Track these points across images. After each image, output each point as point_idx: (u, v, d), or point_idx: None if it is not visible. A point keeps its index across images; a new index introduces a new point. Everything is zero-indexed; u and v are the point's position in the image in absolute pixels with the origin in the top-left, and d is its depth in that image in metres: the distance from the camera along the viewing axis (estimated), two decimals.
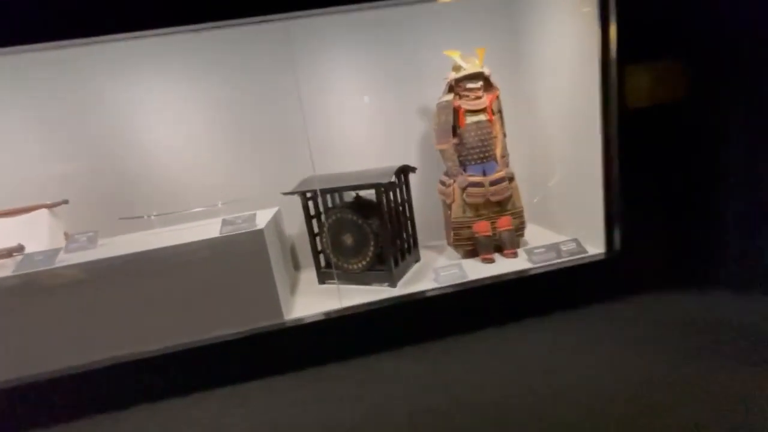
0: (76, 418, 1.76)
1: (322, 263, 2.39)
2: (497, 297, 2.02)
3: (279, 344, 1.89)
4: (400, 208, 2.34)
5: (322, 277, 2.38)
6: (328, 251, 2.32)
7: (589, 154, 2.09)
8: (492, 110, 2.29)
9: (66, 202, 2.16)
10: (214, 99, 2.45)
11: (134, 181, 2.44)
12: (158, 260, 1.82)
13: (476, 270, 2.16)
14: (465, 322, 1.97)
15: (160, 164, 2.46)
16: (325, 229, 2.29)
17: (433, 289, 2.02)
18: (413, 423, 1.46)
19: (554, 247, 2.16)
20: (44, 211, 2.09)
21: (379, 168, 2.24)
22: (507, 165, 2.34)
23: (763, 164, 1.89)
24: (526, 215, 2.41)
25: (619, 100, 1.89)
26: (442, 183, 2.44)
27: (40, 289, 1.75)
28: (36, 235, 2.00)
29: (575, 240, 2.18)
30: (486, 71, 2.28)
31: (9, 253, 1.87)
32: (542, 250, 2.16)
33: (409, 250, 2.41)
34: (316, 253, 2.36)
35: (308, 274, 2.50)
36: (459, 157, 2.32)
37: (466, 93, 2.27)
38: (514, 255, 2.28)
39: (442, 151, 2.37)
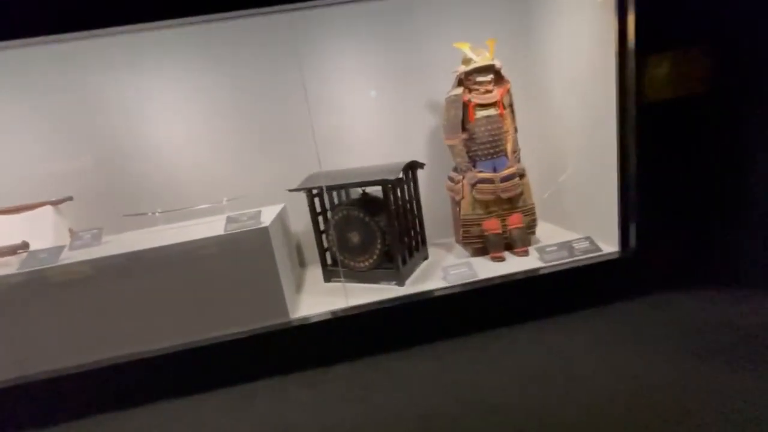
0: (78, 417, 1.75)
1: (329, 261, 2.36)
2: (508, 297, 1.98)
3: (285, 344, 1.87)
4: (408, 205, 2.30)
5: (329, 275, 2.34)
6: (334, 249, 2.28)
7: (604, 148, 2.03)
8: (503, 104, 2.23)
9: (70, 198, 2.15)
10: (218, 94, 2.42)
11: (139, 178, 2.42)
12: (162, 258, 1.80)
13: (486, 268, 2.12)
14: (475, 322, 1.93)
15: (165, 160, 2.44)
16: (332, 226, 2.25)
17: (442, 288, 1.98)
18: (422, 425, 1.43)
19: (566, 246, 2.10)
20: (48, 207, 2.09)
21: (386, 164, 2.20)
22: (518, 161, 2.28)
23: None
24: (538, 212, 2.35)
25: (636, 93, 1.82)
26: (451, 179, 2.39)
27: (44, 287, 1.74)
28: (40, 233, 2.00)
29: (588, 238, 2.13)
30: (497, 64, 2.21)
31: (13, 250, 1.86)
32: (554, 248, 2.11)
33: (417, 248, 2.37)
34: (322, 251, 2.32)
35: (314, 272, 2.47)
36: (469, 152, 2.26)
37: (476, 86, 2.21)
38: (525, 253, 2.23)
39: (451, 147, 2.31)
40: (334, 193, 2.36)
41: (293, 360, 1.86)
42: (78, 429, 1.71)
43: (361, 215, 2.15)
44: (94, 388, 1.77)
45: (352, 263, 2.25)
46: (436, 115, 2.59)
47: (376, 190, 2.21)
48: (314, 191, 2.24)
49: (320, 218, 2.30)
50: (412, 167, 2.31)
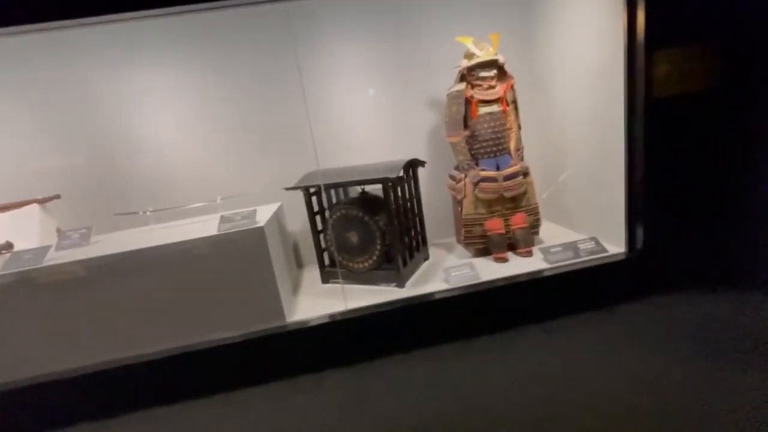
0: (64, 425, 1.68)
1: (326, 262, 2.30)
2: (511, 299, 1.93)
3: (281, 348, 1.81)
4: (409, 204, 2.25)
5: (326, 276, 2.28)
6: (332, 249, 2.22)
7: (611, 146, 1.98)
8: (506, 100, 2.17)
9: (58, 196, 2.08)
10: (213, 89, 2.35)
11: (130, 175, 2.35)
12: (153, 259, 1.73)
13: (488, 269, 2.07)
14: (477, 326, 1.89)
15: (157, 157, 2.36)
16: (330, 225, 2.18)
17: (444, 291, 1.93)
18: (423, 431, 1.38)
19: (571, 246, 2.06)
20: (35, 206, 2.02)
21: (386, 162, 2.15)
22: (521, 159, 2.22)
23: None
24: (541, 212, 2.29)
25: (646, 89, 1.76)
26: (453, 178, 2.33)
27: (28, 290, 1.67)
28: (26, 232, 1.93)
29: (594, 238, 2.08)
30: (500, 59, 2.15)
31: None
32: (559, 248, 2.06)
33: (417, 249, 2.31)
34: (319, 251, 2.26)
35: (311, 272, 2.41)
36: (471, 150, 2.21)
37: (478, 82, 2.15)
38: (529, 254, 2.17)
39: (453, 144, 2.25)
40: (333, 192, 2.31)
41: (289, 365, 1.80)
42: None
43: (360, 214, 2.09)
44: (81, 395, 1.71)
45: (350, 264, 2.19)
46: (438, 111, 2.53)
47: (375, 189, 2.16)
48: (312, 190, 2.18)
49: (318, 217, 2.24)
50: (413, 165, 2.26)
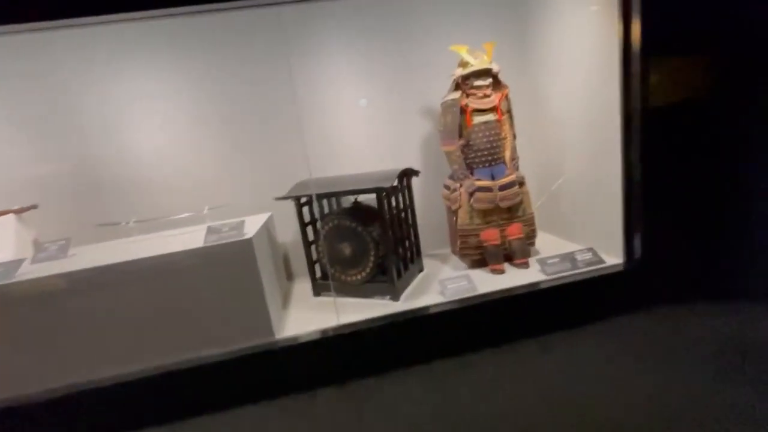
0: None
1: (318, 274, 2.23)
2: (509, 312, 1.88)
3: (270, 365, 1.74)
4: (403, 214, 2.20)
5: (318, 289, 2.21)
6: (324, 261, 2.15)
7: (607, 156, 1.97)
8: (501, 110, 2.15)
9: (35, 206, 1.98)
10: (202, 95, 2.29)
11: (113, 184, 2.26)
12: (135, 273, 1.65)
13: (484, 281, 2.02)
14: (474, 340, 1.83)
15: (142, 165, 2.28)
16: (322, 237, 2.12)
17: (439, 304, 1.88)
18: None
19: (568, 257, 2.03)
20: (11, 216, 1.93)
21: (379, 171, 2.11)
22: (517, 168, 2.20)
23: None
24: (537, 222, 2.26)
25: (641, 98, 1.75)
26: (447, 187, 2.29)
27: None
28: (1, 244, 1.82)
29: (591, 249, 2.05)
30: (495, 68, 2.13)
31: None
32: (556, 260, 2.02)
33: (412, 260, 2.26)
34: (311, 264, 2.19)
35: (302, 285, 2.33)
36: (466, 159, 2.17)
37: (473, 91, 2.13)
38: (526, 265, 2.13)
39: (447, 153, 2.22)
40: (325, 202, 2.25)
41: (279, 383, 1.72)
42: None
43: (353, 225, 2.04)
44: (53, 419, 1.60)
45: (343, 276, 2.13)
46: (432, 120, 2.50)
47: (368, 199, 2.11)
48: (303, 200, 2.13)
49: (309, 228, 2.18)
50: (407, 174, 2.23)
